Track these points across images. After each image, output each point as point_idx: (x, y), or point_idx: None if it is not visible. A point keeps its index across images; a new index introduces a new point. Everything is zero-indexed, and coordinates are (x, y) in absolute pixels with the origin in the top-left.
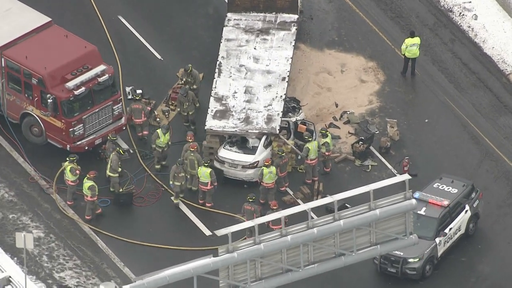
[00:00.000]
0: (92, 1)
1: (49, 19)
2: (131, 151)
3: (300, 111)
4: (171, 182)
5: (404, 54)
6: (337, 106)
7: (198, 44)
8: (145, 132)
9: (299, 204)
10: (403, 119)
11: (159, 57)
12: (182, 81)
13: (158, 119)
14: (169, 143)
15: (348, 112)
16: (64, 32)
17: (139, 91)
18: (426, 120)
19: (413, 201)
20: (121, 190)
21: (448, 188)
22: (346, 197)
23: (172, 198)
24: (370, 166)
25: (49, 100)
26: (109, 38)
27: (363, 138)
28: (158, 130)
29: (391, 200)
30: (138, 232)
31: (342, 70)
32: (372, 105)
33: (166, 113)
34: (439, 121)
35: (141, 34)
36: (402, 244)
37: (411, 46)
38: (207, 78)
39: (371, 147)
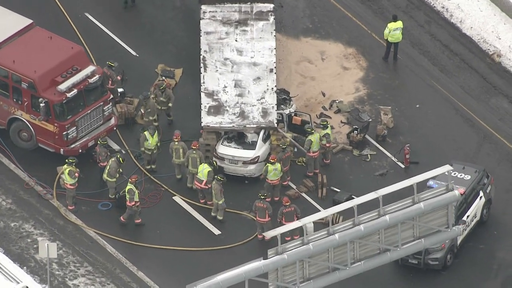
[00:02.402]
0: (56, 0)
1: (30, 21)
2: (123, 152)
3: (292, 102)
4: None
5: (386, 39)
6: (324, 96)
7: (172, 38)
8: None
9: (300, 198)
10: (393, 105)
11: (134, 53)
12: (162, 78)
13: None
14: (158, 144)
15: (337, 101)
16: (48, 33)
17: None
18: (417, 106)
19: (456, 192)
20: (115, 195)
21: (461, 175)
22: (391, 192)
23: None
24: (369, 155)
25: (41, 104)
26: (80, 37)
27: (357, 127)
28: (145, 132)
29: (434, 192)
30: (145, 234)
31: (322, 58)
32: (359, 92)
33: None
34: (430, 105)
35: (112, 31)
36: (446, 236)
37: (394, 30)
38: (188, 73)
39: (367, 136)
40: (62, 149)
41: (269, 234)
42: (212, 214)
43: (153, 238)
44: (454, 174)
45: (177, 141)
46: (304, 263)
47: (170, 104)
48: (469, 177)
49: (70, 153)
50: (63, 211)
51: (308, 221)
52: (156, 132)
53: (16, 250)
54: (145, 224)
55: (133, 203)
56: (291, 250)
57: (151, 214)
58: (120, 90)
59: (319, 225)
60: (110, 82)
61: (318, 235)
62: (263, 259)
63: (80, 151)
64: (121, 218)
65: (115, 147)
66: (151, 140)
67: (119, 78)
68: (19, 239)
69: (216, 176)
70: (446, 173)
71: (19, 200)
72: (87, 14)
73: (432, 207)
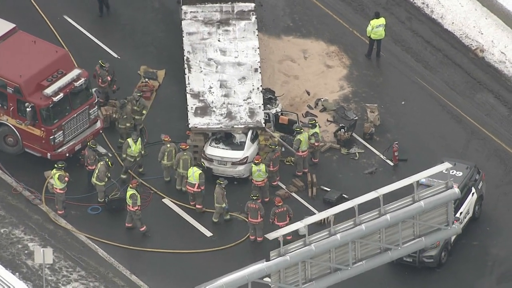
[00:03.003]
0: (34, 3)
1: (13, 25)
2: (110, 155)
3: (277, 102)
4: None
5: (369, 36)
6: (309, 94)
7: (152, 39)
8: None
9: (290, 197)
10: (378, 103)
11: (115, 55)
12: (145, 80)
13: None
14: (142, 152)
15: (322, 100)
16: (31, 37)
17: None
18: (403, 102)
19: (456, 190)
20: (104, 199)
21: (453, 172)
22: (391, 191)
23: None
24: (357, 154)
25: (27, 109)
26: (60, 40)
27: (343, 125)
28: (128, 139)
29: (433, 190)
30: (137, 237)
31: (305, 57)
32: (344, 90)
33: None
34: (415, 102)
35: (91, 33)
36: (446, 234)
37: (377, 27)
38: (170, 74)
39: (354, 134)
40: (49, 154)
41: (271, 235)
42: (214, 219)
43: (145, 241)
44: (446, 171)
45: (168, 143)
46: (306, 264)
47: (144, 112)
48: (461, 173)
49: (57, 157)
50: (52, 216)
51: (310, 221)
52: (140, 139)
53: (7, 256)
54: (149, 234)
55: (137, 207)
56: (293, 251)
57: (142, 217)
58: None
59: (312, 225)
60: (100, 81)
61: (320, 236)
62: (266, 261)
63: (67, 155)
64: (126, 224)
65: (101, 150)
66: (134, 147)
67: (109, 78)
68: (9, 245)
69: (217, 181)
70: (445, 171)
71: (8, 206)
72: (66, 17)
73: (433, 205)
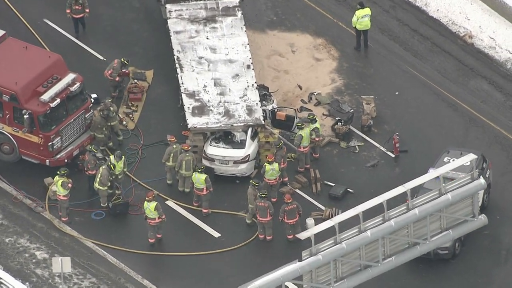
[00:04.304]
0: (12, 7)
1: (3, 31)
2: (107, 159)
3: (272, 98)
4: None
5: (355, 27)
6: (301, 89)
7: (136, 39)
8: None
9: (295, 194)
10: (372, 94)
11: (101, 57)
12: (135, 81)
13: (124, 122)
14: (125, 170)
15: (315, 93)
16: (22, 43)
17: (94, 95)
18: (397, 93)
19: (482, 180)
20: (107, 204)
21: None
22: (418, 185)
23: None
24: (357, 147)
25: (25, 116)
26: (43, 44)
27: (340, 118)
28: (111, 157)
29: (459, 182)
30: (143, 242)
31: (293, 50)
32: (336, 83)
33: (130, 115)
34: (409, 92)
35: (74, 36)
36: (473, 226)
37: (362, 17)
38: (159, 74)
39: (351, 127)
40: (47, 160)
41: (302, 235)
42: (247, 221)
43: (152, 244)
44: (453, 160)
45: (174, 144)
46: (337, 262)
47: (121, 117)
48: (468, 162)
49: (56, 163)
50: (56, 223)
51: (340, 219)
52: (123, 158)
53: (16, 266)
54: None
55: (163, 216)
56: (325, 250)
57: (146, 221)
58: (93, 96)
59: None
60: (110, 72)
61: (350, 233)
62: (298, 261)
63: (66, 160)
64: (150, 240)
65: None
66: (117, 166)
67: (117, 79)
68: (16, 254)
69: (251, 181)
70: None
71: (10, 215)
72: (46, 20)
73: (460, 197)
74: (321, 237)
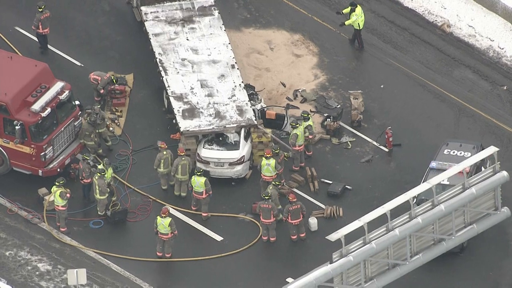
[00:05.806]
0: None
1: None
2: (98, 166)
3: (260, 97)
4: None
5: (353, 25)
6: (285, 86)
7: (111, 43)
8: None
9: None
10: (357, 88)
11: (78, 63)
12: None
13: (111, 128)
14: (114, 176)
15: (300, 90)
16: (6, 53)
17: (77, 102)
18: (382, 86)
19: (505, 173)
20: (105, 212)
21: (460, 153)
22: (442, 180)
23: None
24: (349, 142)
25: (16, 127)
26: (18, 52)
27: (329, 114)
28: (99, 166)
29: (482, 176)
30: (146, 248)
31: (271, 48)
32: (319, 79)
33: (116, 121)
34: (394, 84)
35: (49, 43)
36: (496, 219)
37: (360, 17)
38: (138, 78)
39: (341, 122)
40: (40, 171)
41: (332, 237)
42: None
43: (155, 251)
44: (453, 152)
45: (164, 150)
46: (366, 262)
47: (108, 123)
48: (469, 154)
49: (49, 173)
50: (55, 233)
51: (368, 219)
52: (111, 166)
53: (19, 280)
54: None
55: (176, 232)
56: (354, 251)
57: (145, 227)
58: (77, 102)
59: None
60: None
61: (378, 233)
62: (330, 263)
63: (59, 170)
64: (157, 253)
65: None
66: (107, 172)
67: (102, 91)
68: (18, 267)
69: (272, 182)
70: (445, 152)
71: (7, 228)
72: (17, 28)
73: (484, 191)
74: (321, 236)
